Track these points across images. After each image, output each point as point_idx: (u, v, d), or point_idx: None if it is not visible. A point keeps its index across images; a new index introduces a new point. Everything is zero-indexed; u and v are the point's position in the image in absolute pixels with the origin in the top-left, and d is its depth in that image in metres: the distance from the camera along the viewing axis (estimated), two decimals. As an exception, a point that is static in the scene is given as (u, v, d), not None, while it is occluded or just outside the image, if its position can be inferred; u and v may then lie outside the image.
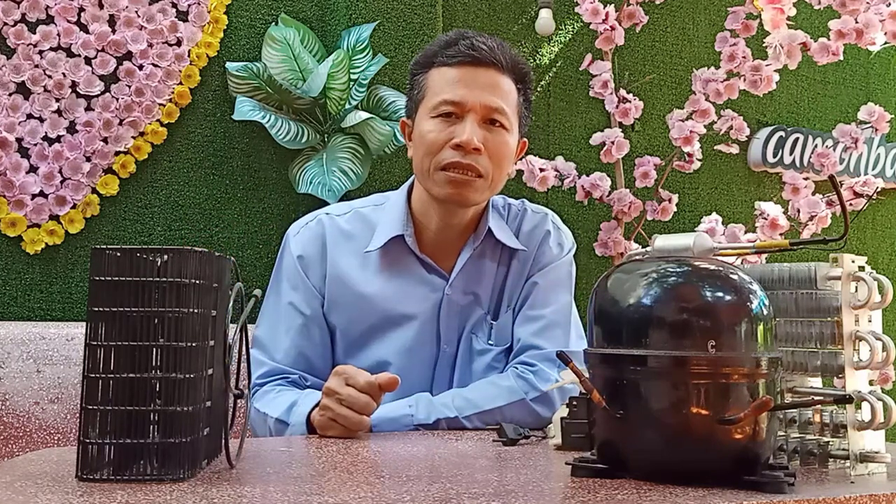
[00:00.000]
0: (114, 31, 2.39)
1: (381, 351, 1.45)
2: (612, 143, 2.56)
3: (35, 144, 2.32)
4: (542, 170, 2.56)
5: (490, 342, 1.48)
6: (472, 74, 1.41)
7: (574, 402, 1.07)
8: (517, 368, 1.44)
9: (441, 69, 1.43)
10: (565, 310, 1.51)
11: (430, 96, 1.42)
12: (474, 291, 1.48)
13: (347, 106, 2.51)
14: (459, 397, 1.39)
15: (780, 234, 2.44)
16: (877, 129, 2.51)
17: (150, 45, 2.43)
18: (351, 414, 1.21)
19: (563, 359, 0.89)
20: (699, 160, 2.63)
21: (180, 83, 2.47)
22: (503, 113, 1.41)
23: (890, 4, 2.37)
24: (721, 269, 0.86)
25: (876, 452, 0.90)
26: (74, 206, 2.37)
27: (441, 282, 1.47)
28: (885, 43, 2.38)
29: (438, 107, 1.40)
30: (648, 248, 0.92)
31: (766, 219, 2.44)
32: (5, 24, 2.31)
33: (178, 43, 2.47)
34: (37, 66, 2.33)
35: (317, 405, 1.28)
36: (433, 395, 1.42)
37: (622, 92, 2.62)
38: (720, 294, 0.84)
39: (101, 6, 2.38)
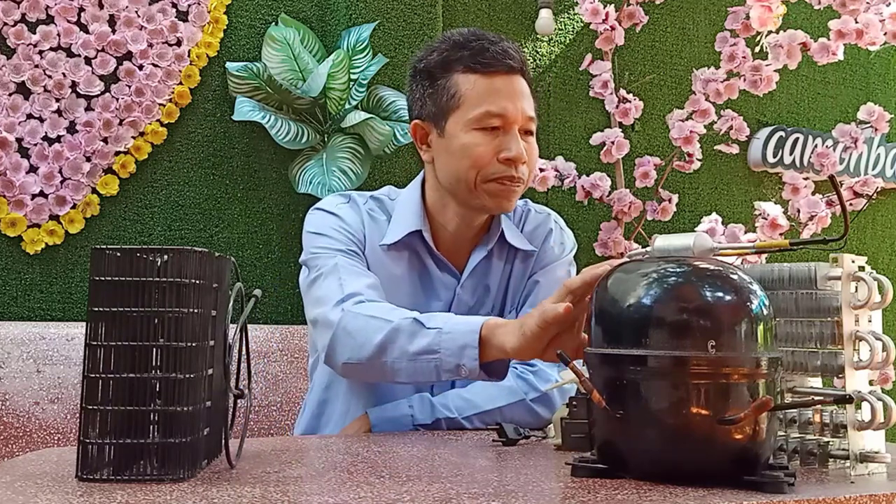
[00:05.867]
0: (114, 31, 2.39)
1: None
2: (612, 143, 2.56)
3: (35, 144, 2.32)
4: (542, 170, 2.56)
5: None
6: (508, 84, 1.39)
7: (574, 402, 1.07)
8: (517, 369, 1.43)
9: (472, 76, 1.38)
10: None
11: (469, 106, 1.38)
12: (483, 291, 1.49)
13: (347, 106, 2.51)
14: (459, 398, 1.39)
15: (780, 234, 2.44)
16: (877, 129, 2.51)
17: (150, 45, 2.43)
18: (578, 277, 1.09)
19: (564, 359, 0.89)
20: (699, 160, 2.63)
21: (180, 83, 2.47)
22: (535, 121, 1.42)
23: (890, 4, 2.37)
24: (721, 269, 0.86)
25: (876, 452, 0.90)
26: (74, 206, 2.37)
27: (452, 281, 1.47)
28: (885, 43, 2.38)
29: (483, 119, 1.37)
30: (648, 248, 0.92)
31: (766, 219, 2.44)
32: (5, 24, 2.31)
33: (178, 43, 2.47)
34: (37, 66, 2.33)
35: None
36: (435, 393, 1.42)
37: (622, 92, 2.62)
38: (720, 294, 0.84)
39: (101, 6, 2.38)
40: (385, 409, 1.37)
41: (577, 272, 1.59)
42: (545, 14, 2.92)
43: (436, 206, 1.48)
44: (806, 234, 2.48)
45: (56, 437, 1.87)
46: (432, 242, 1.46)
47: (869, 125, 2.51)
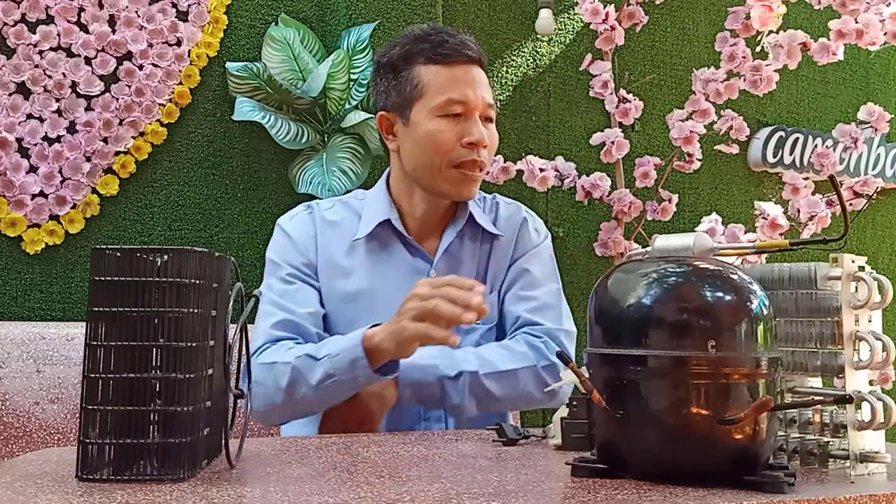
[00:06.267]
0: (114, 31, 2.39)
1: None
2: (612, 143, 2.56)
3: (35, 144, 2.32)
4: (542, 170, 2.56)
5: (477, 322, 1.50)
6: (468, 73, 1.47)
7: (574, 402, 1.07)
8: (528, 335, 1.48)
9: (433, 67, 1.47)
10: (556, 294, 1.57)
11: (432, 95, 1.46)
12: (457, 273, 1.52)
13: (347, 106, 2.51)
14: (477, 356, 1.43)
15: (780, 234, 2.43)
16: (877, 129, 2.51)
17: (150, 45, 2.43)
18: (452, 308, 1.21)
19: (563, 359, 0.89)
20: (699, 160, 2.63)
21: (180, 83, 2.47)
22: (494, 108, 1.50)
23: (890, 4, 2.37)
24: (721, 269, 0.86)
25: (876, 452, 0.90)
26: (74, 206, 2.37)
27: (425, 265, 1.52)
28: (885, 43, 2.38)
29: (446, 106, 1.45)
30: (648, 248, 0.92)
31: (766, 219, 2.44)
32: (5, 24, 2.31)
33: (178, 43, 2.47)
34: (37, 66, 2.33)
35: (373, 326, 1.31)
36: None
37: (622, 92, 2.61)
38: (720, 294, 0.84)
39: (101, 6, 2.38)
40: (412, 357, 1.39)
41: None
42: (545, 14, 2.91)
43: (402, 194, 1.54)
44: (806, 234, 2.48)
45: (56, 437, 1.87)
46: (403, 228, 1.52)
47: (869, 125, 2.50)
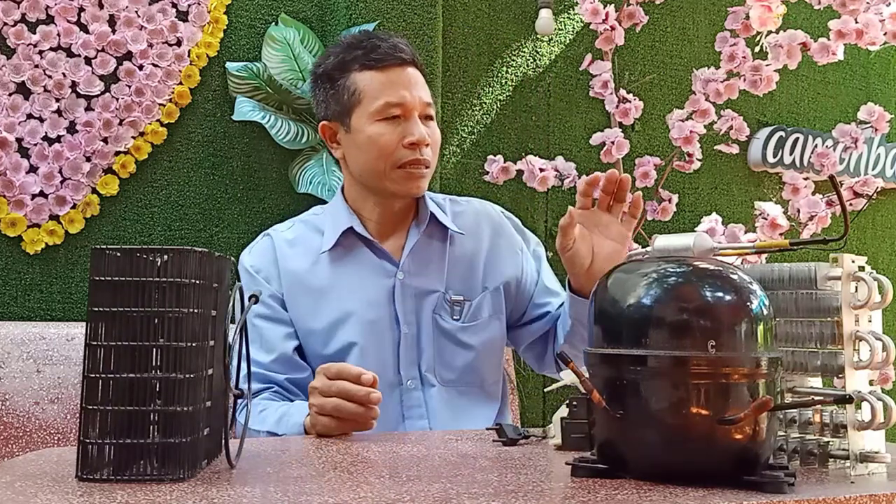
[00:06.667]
0: (114, 31, 2.39)
1: (344, 337, 1.50)
2: (612, 143, 2.56)
3: (35, 144, 2.32)
4: (542, 170, 2.56)
5: (455, 318, 1.54)
6: (403, 75, 1.50)
7: (574, 402, 1.07)
8: None
9: (368, 73, 1.49)
10: None
11: (370, 100, 1.48)
12: (425, 274, 1.54)
13: (347, 106, 2.51)
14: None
15: (780, 234, 2.43)
16: (877, 129, 2.51)
17: (150, 45, 2.43)
18: (353, 407, 1.20)
19: (563, 359, 0.89)
20: (699, 160, 2.63)
21: (180, 83, 2.47)
22: (433, 106, 1.53)
23: (890, 4, 2.36)
24: (721, 269, 0.86)
25: (876, 452, 0.90)
26: (74, 206, 2.37)
27: (392, 267, 1.53)
28: (885, 43, 2.38)
29: (384, 110, 1.47)
30: (648, 248, 0.92)
31: (766, 219, 2.44)
32: (5, 24, 2.31)
33: (178, 43, 2.47)
34: (37, 66, 2.33)
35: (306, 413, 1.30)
36: (402, 374, 1.49)
37: (622, 92, 2.61)
38: (720, 294, 0.84)
39: (101, 6, 2.38)
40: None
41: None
42: (545, 14, 2.91)
43: (356, 201, 1.57)
44: (806, 234, 2.48)
45: (56, 437, 1.87)
46: (366, 232, 1.54)
47: (869, 125, 2.50)
